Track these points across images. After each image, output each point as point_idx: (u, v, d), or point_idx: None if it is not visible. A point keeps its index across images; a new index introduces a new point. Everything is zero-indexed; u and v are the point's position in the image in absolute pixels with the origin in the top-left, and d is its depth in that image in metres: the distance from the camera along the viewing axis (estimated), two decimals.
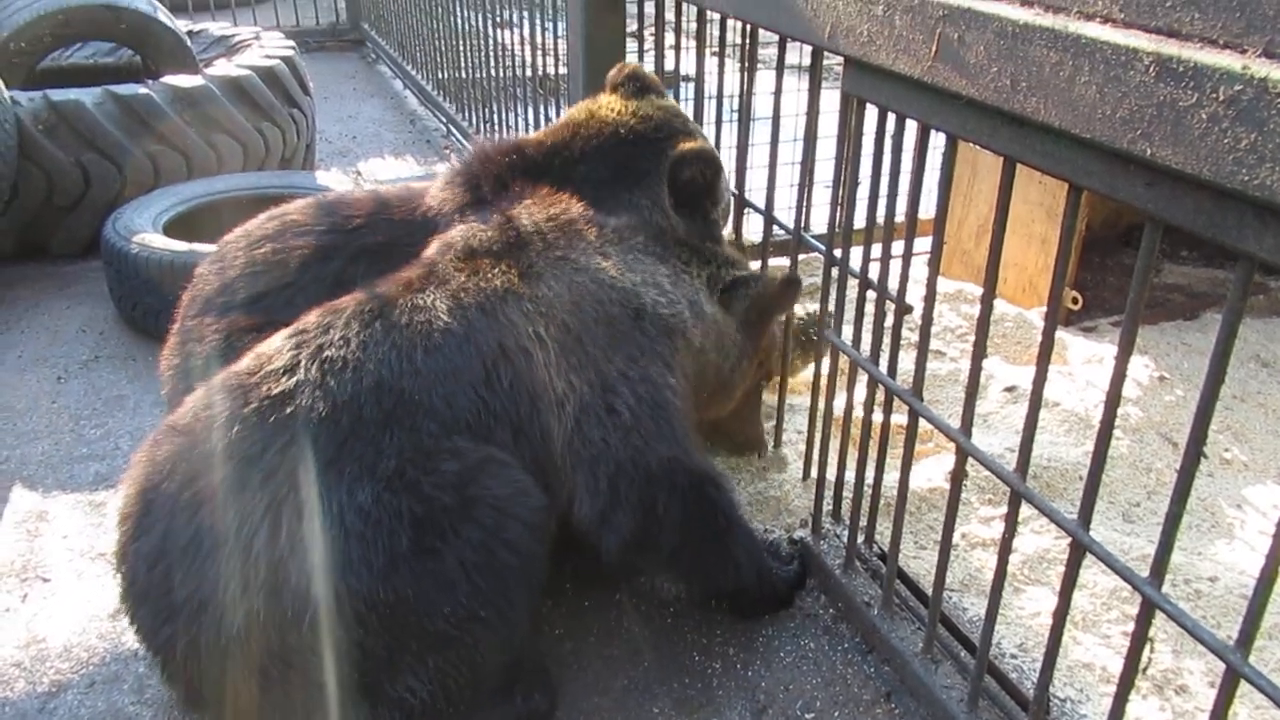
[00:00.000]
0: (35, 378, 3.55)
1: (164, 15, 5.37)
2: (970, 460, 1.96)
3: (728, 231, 3.16)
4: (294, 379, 1.94)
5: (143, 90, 4.45)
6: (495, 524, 1.91)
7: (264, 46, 5.40)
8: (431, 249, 2.30)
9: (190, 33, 5.71)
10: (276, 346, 2.03)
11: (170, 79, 4.65)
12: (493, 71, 5.16)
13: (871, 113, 2.13)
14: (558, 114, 3.86)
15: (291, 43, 5.54)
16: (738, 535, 2.33)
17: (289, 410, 1.90)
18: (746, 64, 2.70)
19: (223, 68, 4.93)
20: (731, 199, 2.88)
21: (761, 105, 2.78)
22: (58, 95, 4.27)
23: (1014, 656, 2.28)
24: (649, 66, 3.24)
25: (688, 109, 3.05)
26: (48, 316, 4.01)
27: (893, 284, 2.18)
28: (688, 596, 2.52)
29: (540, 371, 2.09)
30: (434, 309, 2.06)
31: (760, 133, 2.75)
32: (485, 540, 1.89)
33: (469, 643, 1.91)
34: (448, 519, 1.87)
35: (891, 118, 2.05)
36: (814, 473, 2.67)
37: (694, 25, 2.89)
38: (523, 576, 1.96)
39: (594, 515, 2.14)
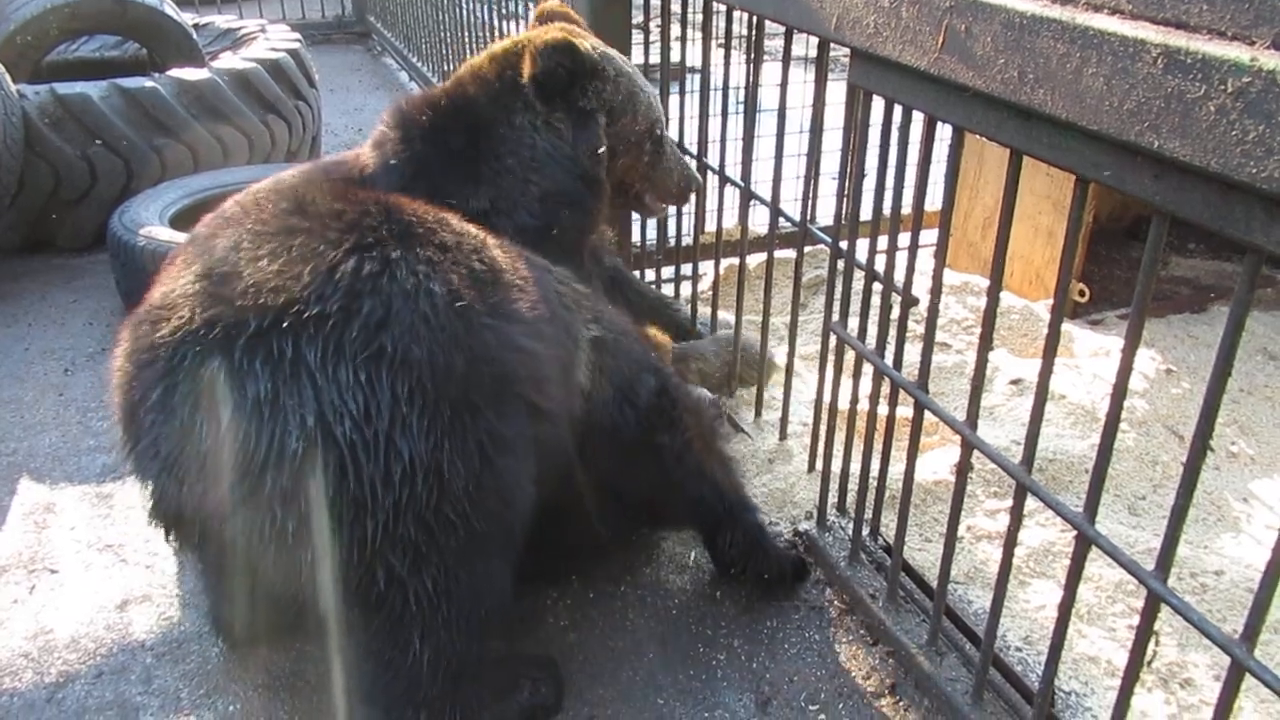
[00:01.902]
0: (42, 370, 3.56)
1: (170, 9, 5.38)
2: (976, 453, 1.96)
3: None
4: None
5: (149, 84, 4.45)
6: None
7: (270, 39, 5.40)
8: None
9: (196, 26, 5.71)
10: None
11: (176, 72, 4.66)
12: None
13: (878, 104, 2.12)
14: None
15: (297, 35, 5.54)
16: (728, 457, 2.55)
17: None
18: (752, 56, 2.69)
19: (229, 61, 4.93)
20: (659, 117, 2.94)
21: (768, 97, 2.78)
22: (64, 89, 4.28)
23: (1019, 649, 2.28)
24: (654, 58, 3.23)
25: (693, 101, 3.04)
26: (54, 309, 4.02)
27: (898, 276, 2.17)
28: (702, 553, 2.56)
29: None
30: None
31: (766, 125, 2.74)
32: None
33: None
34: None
35: (898, 109, 2.05)
36: (819, 465, 2.67)
37: (700, 17, 2.89)
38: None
39: (619, 392, 2.25)
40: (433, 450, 1.69)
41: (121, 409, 1.84)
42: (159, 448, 1.73)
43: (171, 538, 1.94)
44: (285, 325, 1.63)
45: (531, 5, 4.50)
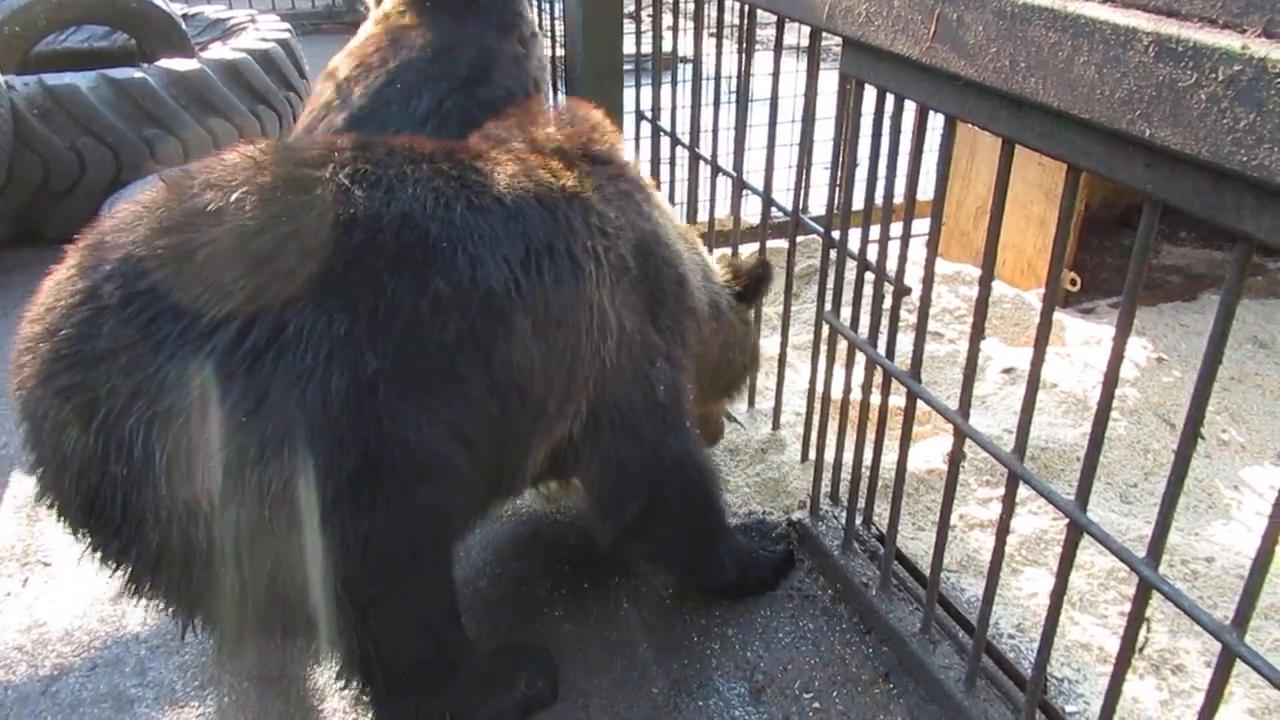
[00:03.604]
0: None
1: None
2: (968, 442, 1.96)
3: (724, 214, 3.15)
4: (318, 171, 1.69)
5: (138, 74, 4.43)
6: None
7: (260, 30, 5.38)
8: (488, 133, 2.12)
9: (185, 16, 5.67)
10: (306, 141, 1.85)
11: (165, 63, 4.63)
12: None
13: (870, 94, 2.12)
14: (556, 96, 3.85)
15: (287, 26, 5.51)
16: (725, 537, 2.39)
17: (305, 196, 1.65)
18: (744, 45, 2.68)
19: (218, 51, 4.90)
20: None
21: (760, 87, 2.77)
22: (52, 80, 4.25)
23: (1012, 637, 2.29)
24: (646, 48, 3.22)
25: (685, 91, 3.03)
26: None
27: (891, 266, 2.17)
28: (674, 583, 2.53)
29: (590, 289, 1.92)
30: (490, 176, 1.86)
31: (758, 114, 2.74)
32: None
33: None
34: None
35: (890, 98, 2.04)
36: (813, 455, 2.67)
37: (692, 6, 2.88)
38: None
39: (604, 495, 2.12)
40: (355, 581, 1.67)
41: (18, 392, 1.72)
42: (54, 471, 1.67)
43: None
44: (140, 413, 1.52)
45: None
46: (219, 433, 1.52)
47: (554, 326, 1.87)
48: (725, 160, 2.97)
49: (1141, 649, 2.25)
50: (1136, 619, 1.61)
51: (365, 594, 1.71)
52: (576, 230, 1.93)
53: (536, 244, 1.85)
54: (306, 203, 1.63)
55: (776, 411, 3.01)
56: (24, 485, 2.88)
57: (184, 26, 5.45)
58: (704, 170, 3.09)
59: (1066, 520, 1.71)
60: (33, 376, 1.62)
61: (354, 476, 1.61)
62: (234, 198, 1.60)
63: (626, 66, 3.37)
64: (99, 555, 1.75)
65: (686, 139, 3.17)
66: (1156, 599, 1.60)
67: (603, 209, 2.02)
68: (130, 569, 1.72)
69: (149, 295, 1.54)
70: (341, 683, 1.93)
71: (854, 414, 2.42)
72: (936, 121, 1.91)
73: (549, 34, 4.34)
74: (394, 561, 1.71)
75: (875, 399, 2.33)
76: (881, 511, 2.54)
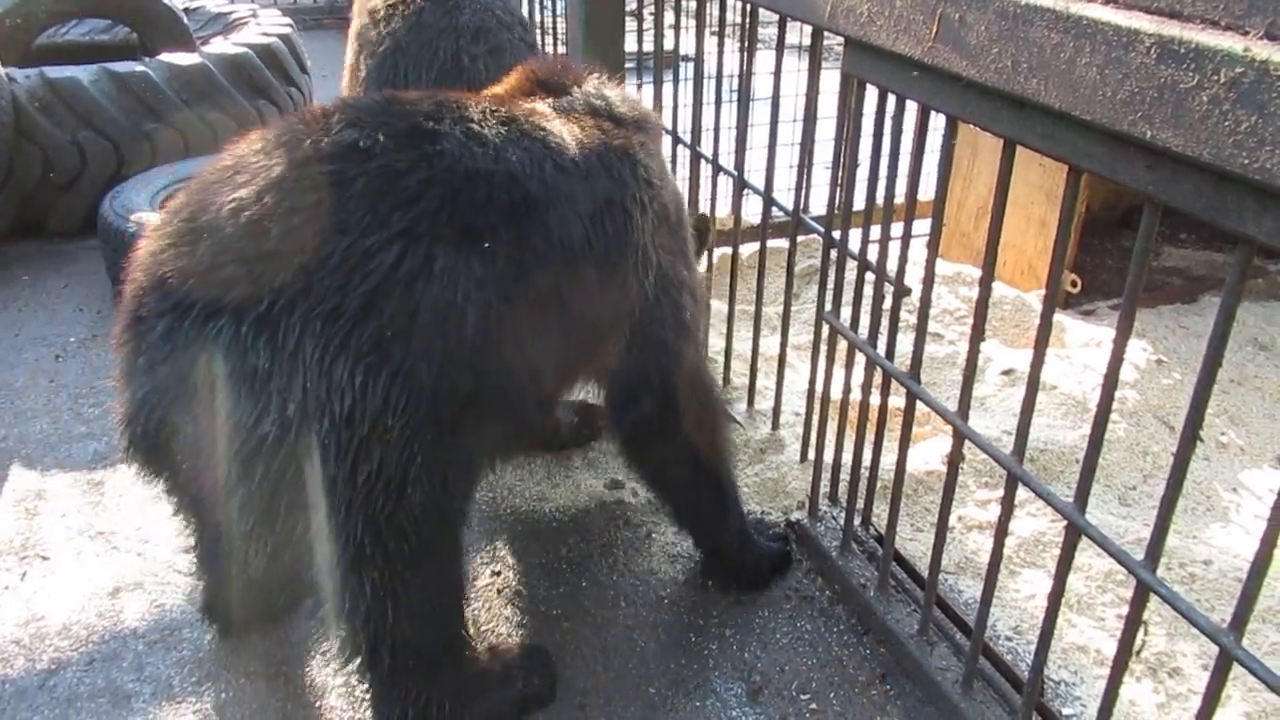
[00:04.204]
0: (33, 356, 3.55)
1: None
2: (967, 443, 1.96)
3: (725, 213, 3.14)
4: (439, 125, 1.80)
5: (139, 68, 4.42)
6: None
7: (261, 24, 5.37)
8: (544, 85, 2.23)
9: (187, 10, 5.67)
10: (414, 96, 1.94)
11: (167, 57, 4.63)
12: None
13: (871, 93, 2.12)
14: None
15: (289, 21, 5.51)
16: (730, 482, 2.45)
17: (436, 145, 1.76)
18: (746, 44, 2.68)
19: (220, 46, 4.90)
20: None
21: (761, 85, 2.77)
22: (54, 73, 4.25)
23: (1009, 639, 2.29)
24: (647, 46, 3.22)
25: (687, 89, 3.03)
26: (45, 295, 4.00)
27: (891, 266, 2.17)
28: (671, 519, 2.55)
29: (637, 234, 2.06)
30: (562, 136, 1.98)
31: (760, 113, 2.73)
32: None
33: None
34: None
35: (891, 99, 2.04)
36: (812, 455, 2.67)
37: (693, 4, 2.88)
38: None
39: (623, 390, 2.23)
40: (402, 463, 1.67)
41: (127, 307, 1.77)
42: (153, 377, 1.68)
43: (143, 470, 1.89)
44: (295, 312, 1.59)
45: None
46: (368, 341, 1.61)
47: (611, 270, 2.02)
48: (726, 159, 2.96)
49: (1139, 652, 2.25)
50: (1134, 621, 1.60)
51: (413, 532, 1.74)
52: (628, 184, 2.06)
53: (601, 200, 1.99)
54: (439, 152, 1.75)
55: (776, 411, 3.00)
56: (23, 478, 2.88)
57: (186, 21, 5.45)
58: (705, 169, 3.09)
59: (1065, 522, 1.71)
60: (192, 268, 1.64)
61: (463, 403, 1.73)
62: (380, 138, 1.71)
63: (628, 64, 3.37)
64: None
65: (688, 137, 3.16)
66: (1154, 602, 1.60)
67: (647, 163, 2.15)
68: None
69: (310, 209, 1.63)
70: (343, 660, 1.91)
71: (853, 414, 2.41)
72: (938, 122, 1.91)
73: (551, 32, 4.34)
74: (452, 500, 1.81)
75: (875, 400, 2.32)
76: (880, 512, 2.54)
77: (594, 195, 1.96)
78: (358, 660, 1.89)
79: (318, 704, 2.17)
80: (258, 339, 1.58)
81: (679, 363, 2.25)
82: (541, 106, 2.08)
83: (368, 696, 1.99)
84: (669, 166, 2.45)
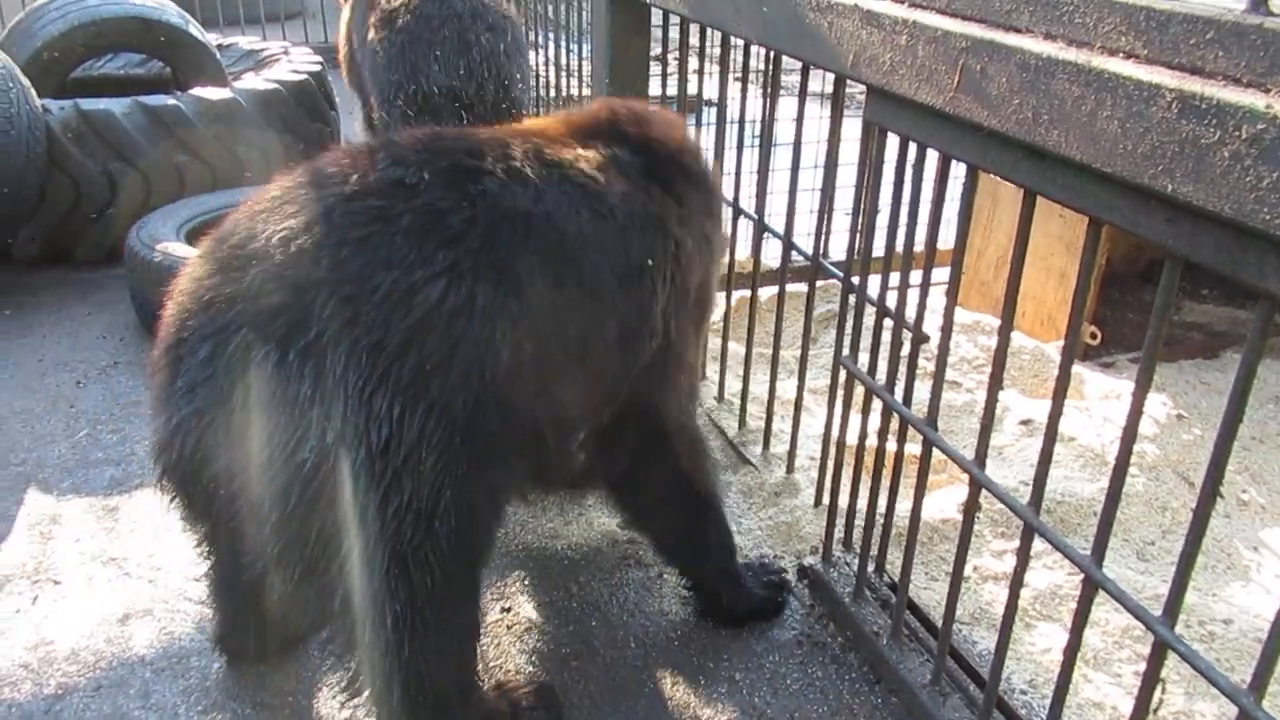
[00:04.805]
0: (55, 381, 3.58)
1: (195, 29, 5.44)
2: (984, 493, 1.95)
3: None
4: (482, 163, 1.84)
5: (171, 101, 4.50)
6: None
7: (292, 61, 5.46)
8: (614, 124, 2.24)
9: (220, 46, 5.78)
10: (456, 133, 1.99)
11: (199, 91, 4.71)
12: None
13: (893, 141, 2.13)
14: None
15: (319, 58, 5.59)
16: (719, 516, 2.48)
17: (477, 185, 1.80)
18: (769, 90, 2.71)
19: (251, 81, 4.98)
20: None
21: (783, 132, 2.79)
22: (88, 105, 4.33)
23: (1023, 692, 2.25)
24: (671, 90, 3.26)
25: (710, 134, 3.06)
26: (69, 322, 4.05)
27: (910, 313, 2.17)
28: (658, 554, 2.59)
29: (659, 306, 2.10)
30: (607, 189, 2.00)
31: (781, 158, 2.75)
32: None
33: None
34: None
35: (913, 147, 2.06)
36: (826, 500, 2.65)
37: (718, 50, 2.91)
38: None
39: (610, 435, 2.22)
40: (432, 496, 1.69)
41: (168, 330, 1.80)
42: (193, 400, 1.70)
43: (173, 495, 1.90)
44: (342, 342, 1.61)
45: (553, 35, 4.56)
46: (409, 374, 1.64)
47: (631, 334, 2.05)
48: (747, 203, 2.98)
49: (1156, 710, 2.21)
50: (1151, 679, 1.58)
51: (437, 566, 1.75)
52: (656, 254, 2.08)
53: (634, 262, 2.02)
54: (481, 191, 1.80)
55: (791, 455, 2.99)
56: (39, 502, 2.90)
57: (219, 56, 5.55)
58: (725, 212, 3.10)
59: (1082, 575, 1.69)
60: (240, 294, 1.67)
61: (492, 439, 1.76)
62: (424, 175, 1.77)
63: (651, 108, 3.40)
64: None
65: None
66: (1172, 659, 1.58)
67: (679, 238, 2.15)
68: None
69: (359, 242, 1.67)
70: (352, 692, 1.91)
71: (869, 460, 2.40)
72: (958, 171, 1.92)
73: (576, 74, 4.39)
74: (477, 535, 1.83)
75: (891, 446, 2.31)
76: (894, 560, 2.51)
77: (627, 254, 2.00)
78: (367, 693, 1.88)
79: None
80: (303, 366, 1.60)
81: (664, 421, 2.27)
82: (592, 154, 2.08)
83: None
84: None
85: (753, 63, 2.86)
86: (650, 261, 2.05)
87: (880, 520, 2.39)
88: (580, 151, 2.06)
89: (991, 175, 1.77)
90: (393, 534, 1.67)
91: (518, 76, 4.26)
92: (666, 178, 2.17)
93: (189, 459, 1.73)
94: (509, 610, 2.53)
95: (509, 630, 2.47)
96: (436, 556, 1.73)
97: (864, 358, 2.37)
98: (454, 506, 1.71)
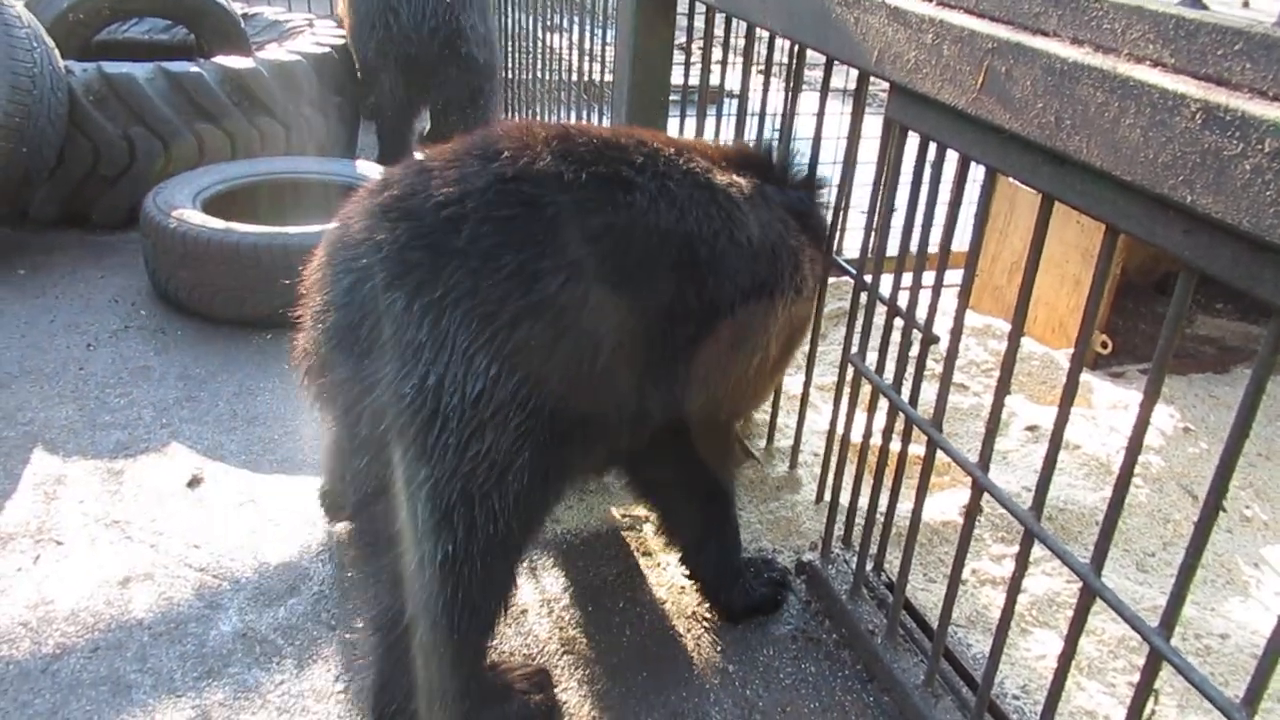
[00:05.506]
0: (65, 343, 3.60)
1: None
2: (985, 496, 1.94)
3: None
4: (638, 177, 1.98)
5: (194, 69, 4.51)
6: None
7: (316, 34, 5.46)
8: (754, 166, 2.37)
9: (245, 16, 5.78)
10: (630, 141, 2.08)
11: (222, 60, 4.71)
12: (539, 74, 5.19)
13: (913, 141, 2.13)
14: (600, 120, 3.88)
15: (343, 31, 5.59)
16: (723, 513, 2.53)
17: (627, 195, 1.94)
18: (791, 84, 2.70)
19: (274, 52, 4.98)
20: None
21: (803, 126, 2.78)
22: (111, 68, 4.34)
23: (1016, 697, 2.25)
24: (694, 80, 3.24)
25: (730, 125, 3.05)
26: (83, 284, 4.07)
27: (921, 314, 2.17)
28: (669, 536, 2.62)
29: (772, 324, 2.22)
30: (748, 216, 2.13)
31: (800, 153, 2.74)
32: None
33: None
34: None
35: (933, 147, 2.05)
36: (828, 496, 2.65)
37: (742, 42, 2.90)
38: None
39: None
40: (510, 452, 1.83)
41: (325, 250, 2.00)
42: (329, 318, 1.91)
43: (304, 387, 2.11)
44: (460, 307, 1.76)
45: (578, 19, 4.55)
46: (512, 345, 1.79)
47: (739, 343, 2.16)
48: None
49: None
50: (1145, 689, 1.58)
51: (500, 515, 1.88)
52: (783, 282, 2.22)
53: (759, 282, 2.15)
54: (629, 203, 1.94)
55: (795, 450, 2.99)
56: (44, 462, 2.91)
57: (243, 25, 5.55)
58: None
59: (1080, 583, 1.69)
60: (386, 243, 1.83)
61: (572, 421, 1.89)
62: (583, 176, 1.90)
63: (673, 97, 3.39)
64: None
65: None
66: (1166, 671, 1.58)
67: (805, 273, 2.31)
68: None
69: (500, 221, 1.82)
70: (376, 624, 2.00)
71: (872, 459, 2.40)
72: (977, 173, 1.92)
73: (600, 59, 4.38)
74: (542, 501, 1.99)
75: (895, 446, 2.31)
76: (893, 559, 2.52)
77: (755, 274, 2.13)
78: (386, 629, 1.97)
79: (317, 707, 2.17)
80: (424, 318, 1.77)
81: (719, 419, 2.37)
82: (744, 183, 2.22)
83: (377, 665, 2.03)
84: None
85: (776, 56, 2.85)
86: (773, 285, 2.18)
87: (881, 519, 2.39)
88: (734, 179, 2.21)
89: (1010, 179, 1.76)
90: (466, 474, 1.81)
91: (480, 28, 5.17)
92: (807, 217, 2.35)
93: (318, 365, 1.98)
94: None
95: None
96: (501, 506, 1.86)
97: (872, 357, 2.36)
98: (529, 467, 1.86)
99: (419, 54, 5.21)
